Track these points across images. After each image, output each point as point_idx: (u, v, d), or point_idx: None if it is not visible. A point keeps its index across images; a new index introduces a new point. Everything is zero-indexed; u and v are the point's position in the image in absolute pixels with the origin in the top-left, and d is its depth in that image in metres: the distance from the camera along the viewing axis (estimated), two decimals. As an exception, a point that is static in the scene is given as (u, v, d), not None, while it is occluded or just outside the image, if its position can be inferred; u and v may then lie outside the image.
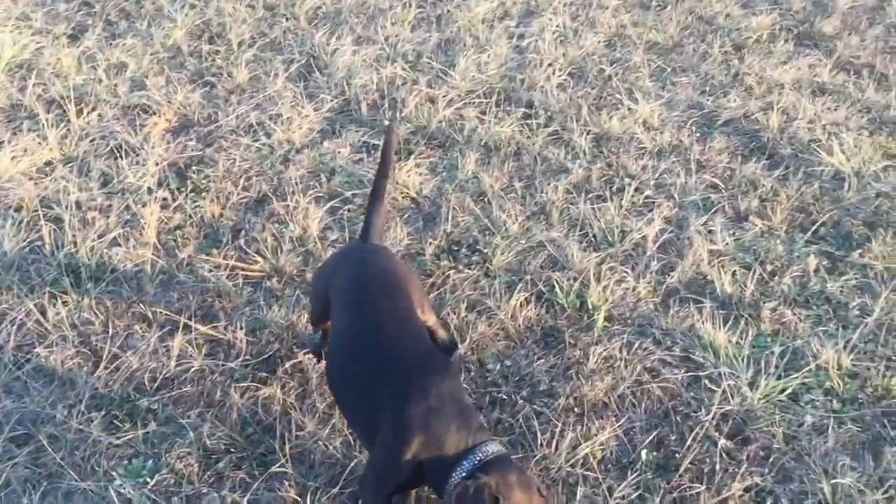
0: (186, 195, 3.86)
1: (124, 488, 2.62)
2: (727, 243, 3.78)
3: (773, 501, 2.74)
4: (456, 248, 3.72)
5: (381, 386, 2.36)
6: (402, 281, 2.72)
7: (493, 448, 2.25)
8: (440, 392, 2.31)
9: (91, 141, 4.13)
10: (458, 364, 2.98)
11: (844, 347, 3.26)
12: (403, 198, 3.97)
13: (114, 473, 2.66)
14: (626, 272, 3.61)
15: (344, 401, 2.56)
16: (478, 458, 2.21)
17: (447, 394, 2.32)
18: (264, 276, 3.49)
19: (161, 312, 3.25)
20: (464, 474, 2.18)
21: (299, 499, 2.63)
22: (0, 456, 2.69)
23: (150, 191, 3.85)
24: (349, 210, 3.88)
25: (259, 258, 3.55)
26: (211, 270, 3.48)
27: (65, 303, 3.25)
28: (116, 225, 3.64)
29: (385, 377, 2.37)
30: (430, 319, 2.79)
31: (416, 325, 2.59)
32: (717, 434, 2.94)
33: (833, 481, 2.76)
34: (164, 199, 3.82)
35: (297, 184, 3.97)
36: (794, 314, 3.45)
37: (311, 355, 3.09)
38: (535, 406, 3.01)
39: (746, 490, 2.76)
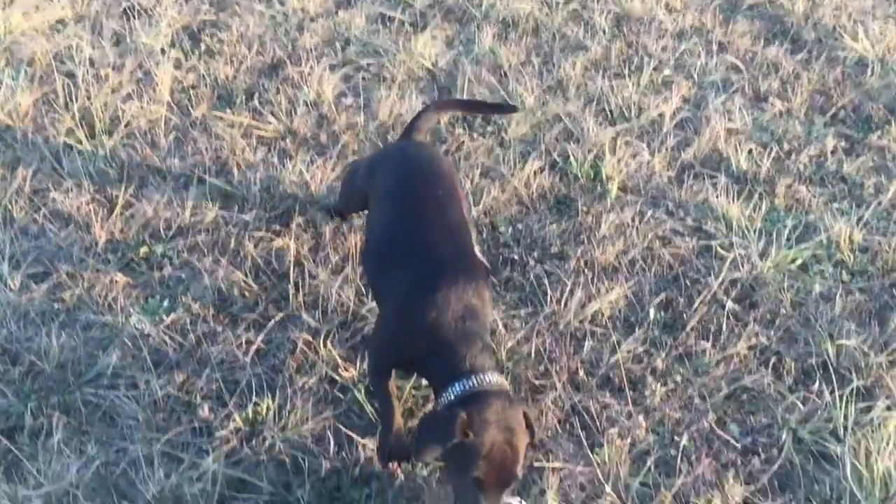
0: (200, 56, 3.82)
1: (142, 324, 2.66)
2: (745, 122, 3.75)
3: (778, 360, 2.77)
4: (471, 118, 3.69)
5: (409, 268, 2.28)
6: (448, 178, 2.57)
7: (491, 378, 2.08)
8: (460, 297, 2.17)
9: (103, 1, 4.06)
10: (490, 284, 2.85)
11: (857, 223, 3.27)
12: (419, 68, 3.92)
13: (130, 311, 2.70)
14: (641, 146, 3.59)
15: (375, 283, 2.47)
16: (469, 385, 2.06)
17: (465, 302, 2.17)
18: (278, 137, 3.48)
19: (175, 165, 3.25)
20: (451, 398, 2.05)
21: (312, 339, 2.67)
22: (19, 290, 2.73)
23: (162, 51, 3.81)
24: (364, 78, 3.84)
25: (273, 119, 3.53)
26: (225, 129, 3.46)
27: (80, 152, 3.25)
28: (130, 82, 3.61)
29: (416, 262, 2.28)
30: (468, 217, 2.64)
31: (459, 222, 2.42)
32: (725, 297, 2.96)
33: (838, 342, 2.80)
34: (178, 59, 3.78)
35: (311, 51, 3.92)
36: (809, 191, 3.44)
37: (322, 212, 3.10)
38: (545, 266, 3.04)
39: (751, 349, 2.80)
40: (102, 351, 2.58)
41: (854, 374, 2.71)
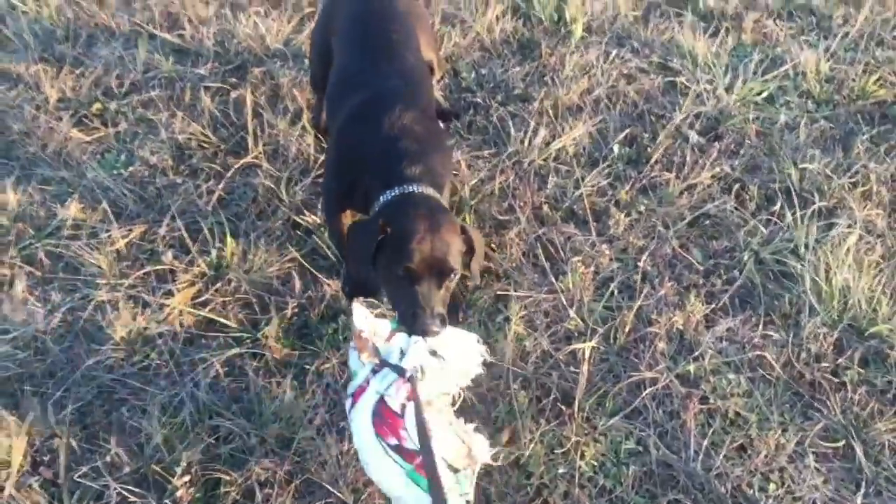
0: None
1: (99, 178, 2.62)
2: (713, -40, 3.64)
3: (741, 188, 2.78)
4: (431, -34, 3.56)
5: (354, 98, 2.22)
6: (405, 17, 2.49)
7: (422, 189, 2.04)
8: (397, 119, 2.12)
9: None
10: (448, 127, 2.82)
11: (824, 53, 3.22)
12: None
13: (87, 166, 2.66)
14: (606, -13, 3.49)
15: (330, 122, 2.40)
16: (395, 193, 2.02)
17: (403, 124, 2.12)
18: (231, -9, 3.36)
19: (125, 22, 3.15)
20: (377, 207, 2.03)
21: (274, 186, 2.65)
22: (-29, 149, 2.68)
23: None
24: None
25: (224, -27, 3.41)
26: (175, -15, 3.34)
27: (24, 13, 3.13)
28: (71, -61, 3.45)
29: (360, 92, 2.22)
30: (433, 57, 2.62)
31: (412, 58, 2.36)
32: (689, 131, 2.94)
33: (802, 166, 2.80)
34: (121, -85, 3.60)
35: None
36: (777, 25, 3.38)
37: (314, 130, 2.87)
38: (509, 109, 3.00)
39: (714, 178, 2.80)
40: (60, 204, 2.55)
41: (816, 197, 2.72)
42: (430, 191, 2.05)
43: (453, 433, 1.74)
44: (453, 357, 1.84)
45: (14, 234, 2.47)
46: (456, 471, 1.71)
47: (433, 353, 1.80)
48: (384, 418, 1.72)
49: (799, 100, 3.08)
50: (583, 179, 2.75)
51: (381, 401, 1.74)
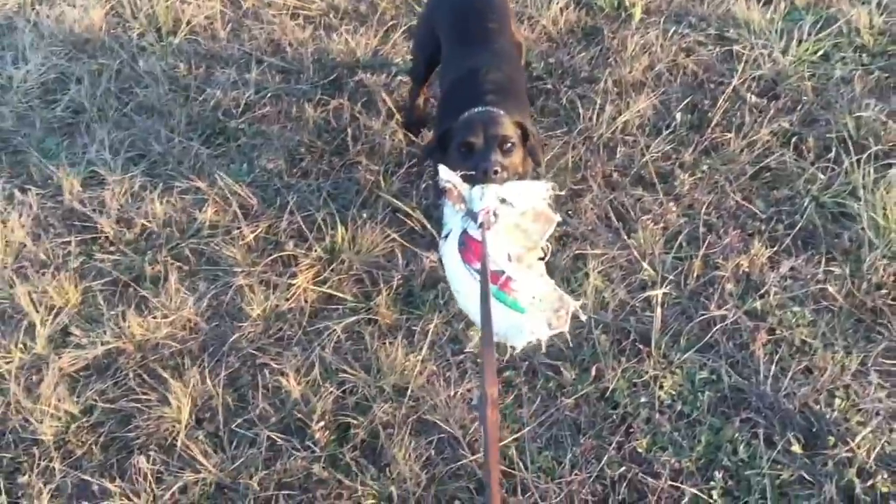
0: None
1: (227, 185, 3.07)
2: (765, -68, 3.83)
3: (799, 140, 2.99)
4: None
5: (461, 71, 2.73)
6: (498, 8, 2.93)
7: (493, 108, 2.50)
8: (484, 77, 2.62)
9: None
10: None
11: (877, 7, 3.38)
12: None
13: (216, 176, 3.11)
14: (663, -29, 3.74)
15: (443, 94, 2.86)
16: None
17: (490, 79, 2.62)
18: (322, 14, 3.79)
19: (235, 51, 3.62)
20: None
21: (374, 179, 3.04)
22: (121, 170, 3.17)
23: (209, -45, 4.13)
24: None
25: (317, 0, 3.84)
26: (274, 14, 3.79)
27: (152, 52, 3.64)
28: (184, -14, 3.97)
29: (464, 69, 2.71)
30: (519, 35, 3.06)
31: (503, 41, 2.83)
32: (748, 94, 3.17)
33: (857, 114, 2.99)
34: (223, -40, 4.09)
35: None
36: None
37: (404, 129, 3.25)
38: (577, 91, 3.29)
39: (773, 134, 3.02)
40: (199, 210, 3.01)
41: (872, 142, 2.91)
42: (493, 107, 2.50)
43: (545, 283, 2.03)
44: (521, 201, 2.13)
45: (164, 237, 2.94)
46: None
47: (502, 200, 2.11)
48: (468, 246, 2.05)
49: (853, 54, 3.26)
50: (647, 148, 3.02)
51: (465, 232, 2.08)
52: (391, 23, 3.69)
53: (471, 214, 2.08)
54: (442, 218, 2.30)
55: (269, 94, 3.42)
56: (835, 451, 2.22)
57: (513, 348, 2.08)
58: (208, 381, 2.52)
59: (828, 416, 2.29)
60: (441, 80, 2.90)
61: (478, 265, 1.98)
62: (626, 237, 2.78)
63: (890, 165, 2.82)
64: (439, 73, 2.95)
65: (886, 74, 3.17)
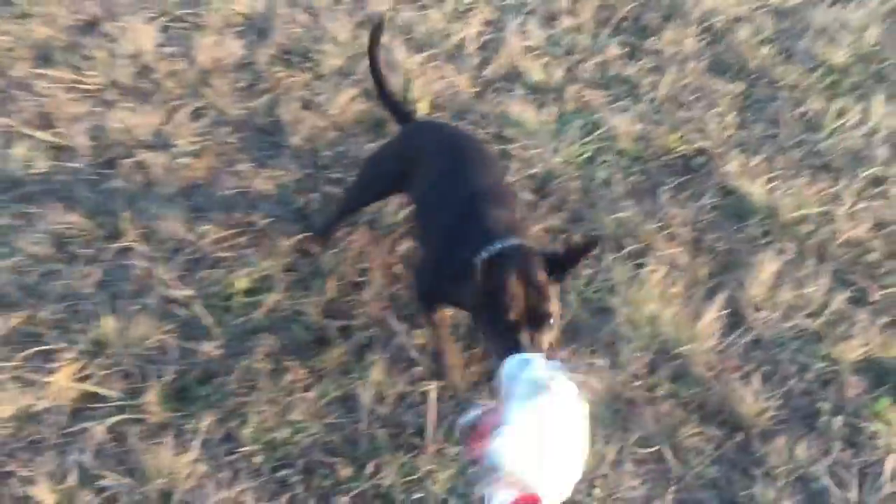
0: (11, 18, 3.89)
1: (-20, 270, 2.82)
2: (540, 39, 4.15)
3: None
4: (288, 56, 3.93)
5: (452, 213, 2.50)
6: (495, 165, 2.82)
7: (512, 241, 2.28)
8: (483, 211, 2.42)
9: None
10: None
11: (636, 116, 3.74)
12: (235, 14, 4.11)
13: (-32, 260, 2.85)
14: (448, 68, 3.94)
15: (425, 232, 2.68)
16: (489, 250, 2.24)
17: (488, 213, 2.42)
18: (101, 89, 3.63)
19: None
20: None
21: (148, 265, 2.91)
22: None
23: (-26, 15, 3.86)
24: (183, 28, 4.00)
25: (94, 73, 3.67)
26: (47, 86, 3.59)
27: None
28: (-56, 49, 3.67)
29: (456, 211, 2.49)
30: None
31: (507, 194, 2.65)
32: (523, 190, 3.36)
33: (616, 216, 3.26)
34: (-9, 23, 3.84)
35: (128, 5, 4.05)
36: (595, 94, 3.88)
37: (310, 240, 3.07)
38: (364, 181, 3.35)
39: (545, 230, 3.22)
40: (-57, 298, 2.73)
41: (630, 241, 3.17)
42: (517, 240, 2.29)
43: None
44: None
45: None
46: None
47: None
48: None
49: (614, 157, 3.56)
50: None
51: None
52: (176, 103, 3.59)
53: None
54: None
55: (36, 172, 3.20)
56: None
57: None
58: (-59, 495, 2.26)
59: None
60: (424, 221, 2.66)
61: None
62: (404, 331, 2.82)
63: (643, 265, 3.08)
64: (419, 214, 2.70)
65: (644, 177, 3.49)
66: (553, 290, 2.20)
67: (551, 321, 2.16)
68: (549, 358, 1.96)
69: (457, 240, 2.38)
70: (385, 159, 2.95)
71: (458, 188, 2.56)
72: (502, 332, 2.12)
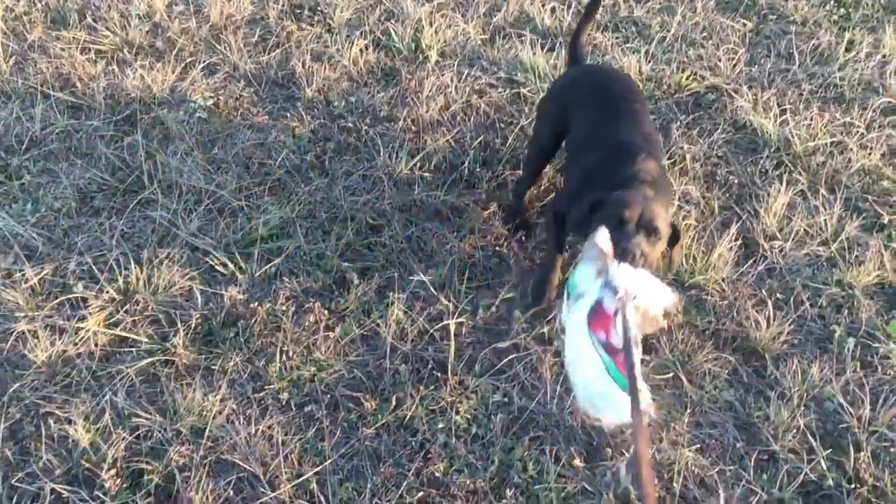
0: (27, -17, 3.94)
1: (9, 225, 2.90)
2: (547, -16, 4.15)
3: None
4: (299, 10, 3.96)
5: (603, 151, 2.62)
6: (640, 95, 2.90)
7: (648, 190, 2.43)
8: (640, 164, 2.51)
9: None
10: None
11: (645, 56, 3.74)
12: (244, -29, 4.14)
13: (-4, 217, 2.94)
14: (456, 17, 3.95)
15: (574, 162, 2.76)
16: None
17: (645, 168, 2.51)
18: (116, 49, 3.68)
19: (19, 85, 3.43)
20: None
21: (171, 216, 2.98)
22: None
23: (-11, -17, 3.91)
24: (194, -14, 4.04)
25: (108, 33, 3.72)
26: (63, 48, 3.64)
27: (-79, 85, 3.39)
28: (-40, 15, 3.72)
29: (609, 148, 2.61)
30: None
31: (650, 126, 2.76)
32: (534, 133, 3.39)
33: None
34: (5, -11, 3.89)
35: (138, -33, 4.08)
36: (605, 36, 3.89)
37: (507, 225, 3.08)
38: (377, 129, 3.39)
39: (556, 171, 3.26)
40: (-26, 252, 2.82)
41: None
42: (650, 190, 2.44)
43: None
44: (648, 297, 2.02)
45: (-66, 282, 2.72)
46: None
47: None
48: (599, 315, 1.99)
49: (626, 98, 3.57)
50: (443, 185, 3.16)
51: (599, 302, 2.01)
52: (189, 59, 3.64)
53: (610, 287, 2.01)
54: (572, 278, 2.18)
55: (56, 131, 3.27)
56: (612, 462, 2.40)
57: (598, 420, 2.10)
58: (-16, 435, 2.36)
59: (605, 430, 2.48)
60: (576, 156, 2.75)
61: (602, 336, 1.97)
62: (422, 270, 2.88)
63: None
64: (570, 150, 2.82)
65: (653, 116, 3.50)
66: (664, 216, 2.34)
67: (658, 235, 2.32)
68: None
69: (600, 180, 2.49)
70: (548, 102, 3.00)
71: (609, 132, 2.66)
72: (615, 227, 2.27)
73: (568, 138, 2.84)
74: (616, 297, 1.98)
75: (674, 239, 2.44)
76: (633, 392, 1.80)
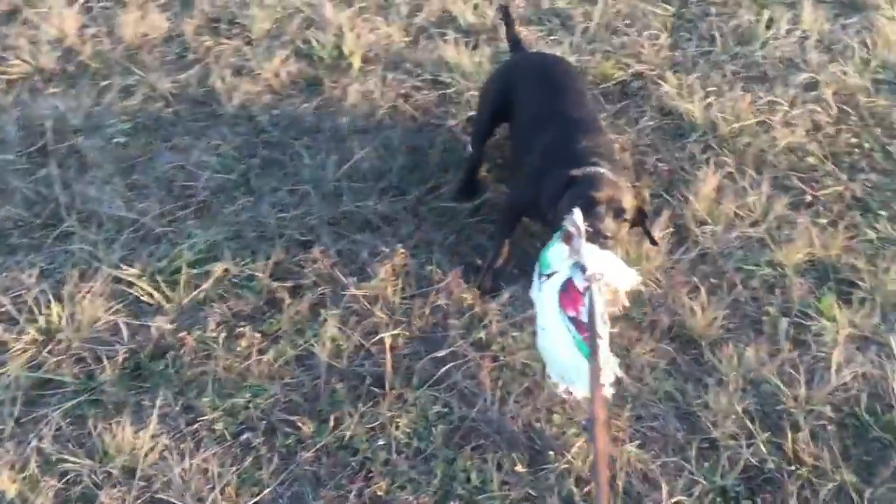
0: (-70, 15, 3.80)
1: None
2: (469, -19, 4.10)
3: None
4: (216, 24, 3.87)
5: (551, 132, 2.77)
6: (581, 80, 3.13)
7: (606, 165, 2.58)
8: (587, 140, 2.69)
9: None
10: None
11: (569, 47, 3.72)
12: (157, -13, 4.04)
13: None
14: (378, 20, 3.89)
15: (519, 149, 2.93)
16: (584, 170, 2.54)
17: (593, 145, 2.68)
18: (26, 77, 3.56)
19: (-76, 123, 3.31)
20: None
21: (91, 248, 2.88)
22: None
23: None
24: (105, 6, 3.93)
25: (18, 61, 3.60)
26: (-31, 80, 3.52)
27: None
28: None
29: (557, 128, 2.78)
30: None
31: (593, 112, 2.97)
32: (462, 134, 3.35)
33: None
34: None
35: (46, -10, 3.97)
36: (529, 30, 3.86)
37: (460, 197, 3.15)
38: (303, 142, 3.33)
39: (489, 171, 3.22)
40: None
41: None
42: (608, 165, 2.59)
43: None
44: (612, 277, 2.15)
45: None
46: None
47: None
48: (569, 293, 2.10)
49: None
50: (373, 192, 3.11)
51: (570, 280, 2.11)
52: (104, 83, 3.54)
53: (580, 267, 2.11)
54: (545, 256, 2.26)
55: (-34, 170, 3.16)
56: (555, 465, 2.38)
57: (569, 393, 2.24)
58: None
59: (548, 433, 2.46)
60: (529, 138, 2.85)
61: (572, 313, 2.08)
62: (355, 284, 2.83)
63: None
64: (519, 133, 2.95)
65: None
66: (629, 194, 2.51)
67: (625, 215, 2.47)
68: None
69: (562, 155, 2.66)
70: (491, 84, 3.17)
71: (559, 111, 2.84)
72: (586, 207, 2.33)
73: (514, 125, 2.99)
74: (584, 276, 2.09)
75: (641, 217, 2.59)
76: (593, 381, 1.93)
